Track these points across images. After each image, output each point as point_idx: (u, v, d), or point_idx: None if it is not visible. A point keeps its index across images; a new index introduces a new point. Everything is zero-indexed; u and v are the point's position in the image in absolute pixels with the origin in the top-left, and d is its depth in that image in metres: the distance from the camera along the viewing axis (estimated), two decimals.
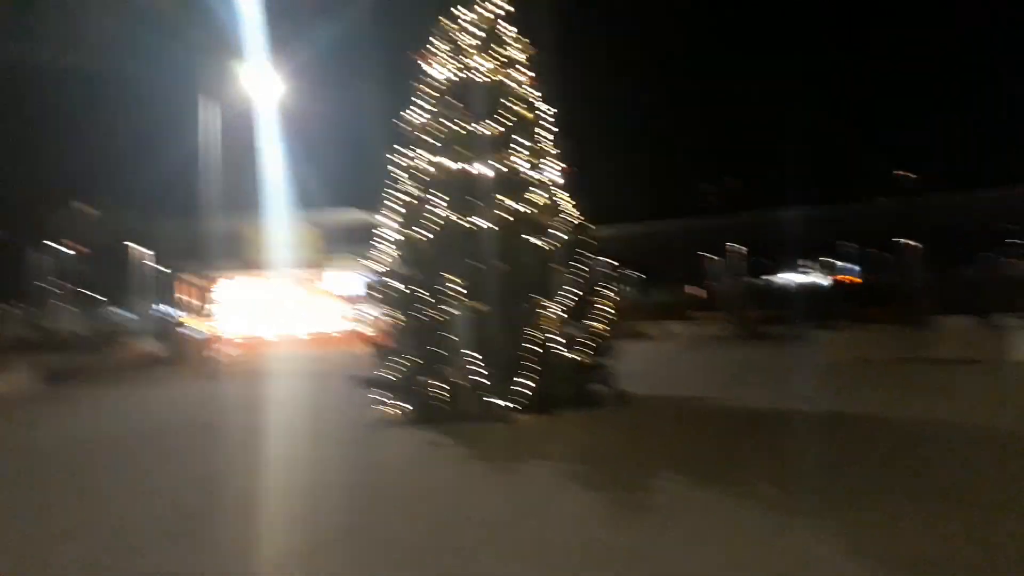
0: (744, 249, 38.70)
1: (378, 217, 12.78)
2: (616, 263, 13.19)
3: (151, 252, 37.97)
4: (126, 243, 44.64)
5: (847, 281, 58.47)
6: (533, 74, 12.73)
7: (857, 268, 62.00)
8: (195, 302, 26.98)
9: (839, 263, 61.83)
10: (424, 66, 12.69)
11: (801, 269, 55.65)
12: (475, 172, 12.01)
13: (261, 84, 20.19)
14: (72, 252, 50.35)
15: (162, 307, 32.39)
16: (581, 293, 12.36)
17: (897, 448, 8.46)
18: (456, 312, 11.18)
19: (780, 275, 52.87)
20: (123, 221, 44.95)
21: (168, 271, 26.98)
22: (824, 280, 56.91)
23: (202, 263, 20.89)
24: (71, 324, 46.58)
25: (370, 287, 12.87)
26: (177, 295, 26.99)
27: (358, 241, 24.53)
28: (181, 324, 26.35)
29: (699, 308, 30.79)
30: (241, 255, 26.64)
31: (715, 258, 46.58)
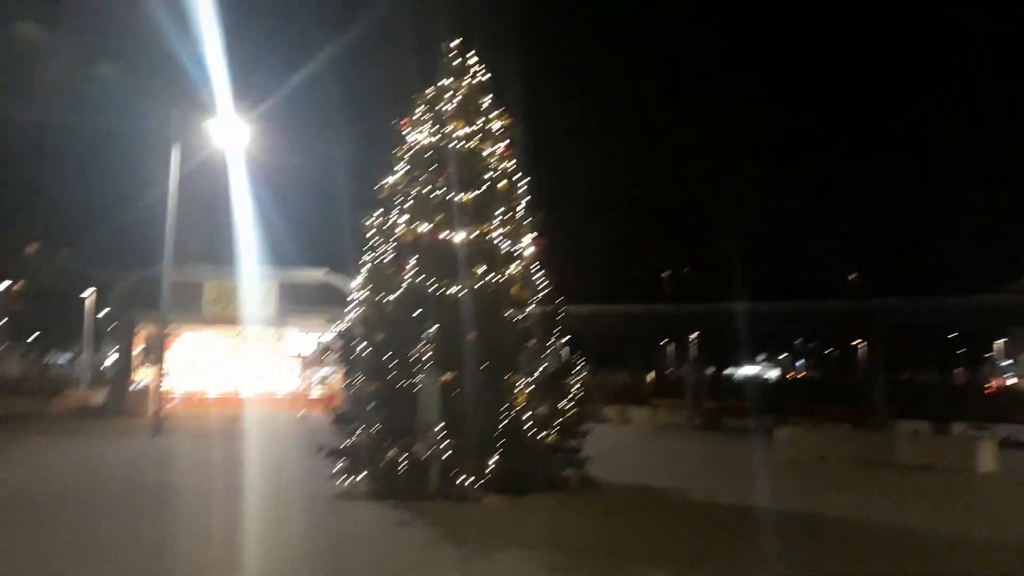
0: (701, 339, 38.98)
1: (346, 278, 12.51)
2: (573, 341, 12.98)
3: (106, 300, 36.87)
4: (80, 289, 43.31)
5: (797, 376, 59.31)
6: (509, 144, 12.76)
7: (803, 364, 63.08)
8: (147, 354, 26.02)
9: (792, 358, 62.76)
10: (403, 131, 12.68)
11: (756, 362, 56.26)
12: (448, 238, 11.86)
13: (230, 136, 19.99)
14: (22, 295, 48.66)
15: (112, 357, 31.27)
16: (552, 370, 12.14)
17: (872, 551, 8.23)
18: (426, 381, 10.81)
19: (735, 367, 53.31)
20: (78, 266, 43.78)
21: (121, 320, 26.00)
22: (774, 374, 57.62)
23: (158, 314, 20.15)
24: (15, 368, 44.69)
25: (335, 349, 12.47)
26: (129, 345, 25.99)
27: (322, 301, 24.17)
28: (130, 375, 25.34)
29: (659, 395, 30.70)
30: (200, 309, 25.89)
31: (673, 345, 46.81)
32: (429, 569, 7.25)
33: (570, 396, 11.83)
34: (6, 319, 52.00)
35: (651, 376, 44.82)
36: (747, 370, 53.65)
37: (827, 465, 16.12)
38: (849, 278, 47.61)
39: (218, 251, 26.17)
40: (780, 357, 61.72)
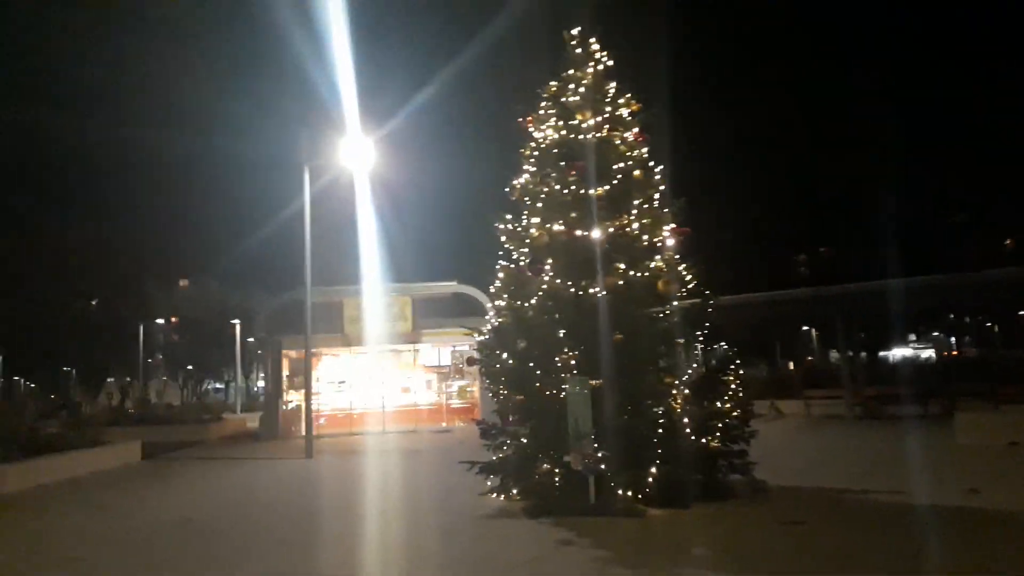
0: (850, 322, 36.57)
1: (477, 289, 12.15)
2: (710, 335, 12.01)
3: (249, 325, 38.64)
4: (224, 317, 45.67)
5: (958, 355, 54.79)
6: (641, 131, 12.00)
7: (964, 341, 58.20)
8: (295, 376, 26.87)
9: (950, 336, 58.15)
10: (528, 129, 12.19)
11: (910, 344, 52.53)
12: (585, 236, 11.24)
13: (359, 156, 20.17)
14: (172, 327, 51.94)
15: (260, 382, 32.59)
16: (709, 369, 11.32)
17: None
18: (570, 388, 10.23)
19: (890, 350, 49.94)
20: (221, 295, 46.20)
21: (268, 345, 26.97)
22: (933, 354, 53.52)
23: (301, 336, 20.62)
24: (172, 398, 47.73)
25: (476, 361, 12.12)
26: (278, 369, 26.93)
27: (456, 313, 24.14)
28: (280, 398, 26.22)
29: (809, 385, 28.86)
30: (341, 328, 26.49)
31: (814, 332, 44.28)
32: None
33: (729, 395, 10.97)
34: (168, 354, 55.73)
35: (795, 366, 42.53)
36: (901, 352, 50.16)
37: (1021, 452, 14.41)
38: (1006, 243, 43.72)
39: (354, 270, 26.72)
40: (936, 335, 57.29)
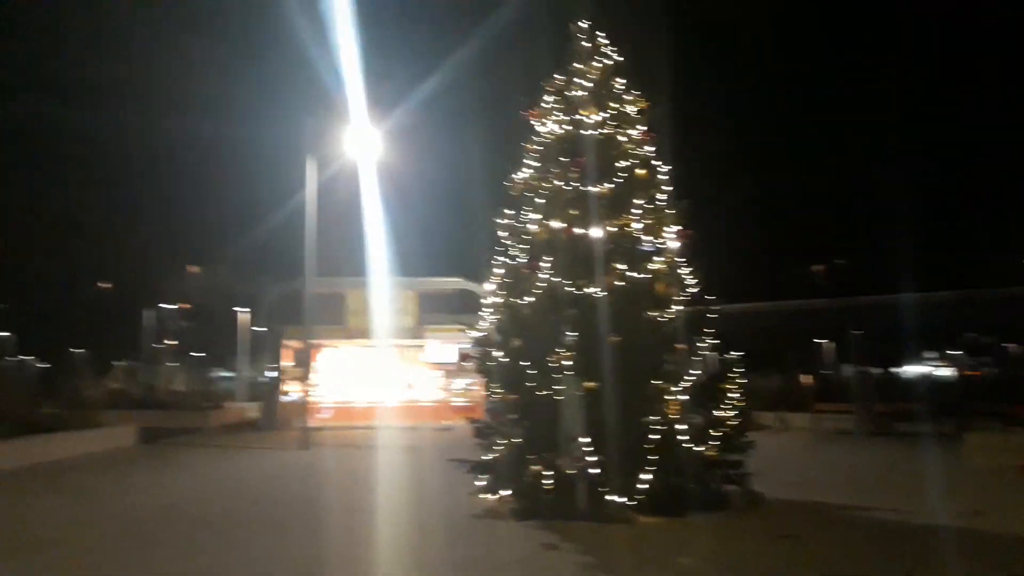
0: (865, 335, 36.00)
1: (482, 284, 11.88)
2: (723, 343, 11.67)
3: (254, 314, 38.62)
4: (231, 305, 45.73)
5: (975, 373, 53.92)
6: (647, 129, 11.69)
7: (981, 360, 57.28)
8: (294, 367, 26.68)
9: (967, 355, 57.29)
10: (532, 123, 11.91)
11: (926, 360, 51.70)
12: (585, 234, 10.94)
13: (364, 146, 19.96)
14: (180, 312, 52.10)
15: (263, 370, 32.52)
16: (706, 376, 10.98)
17: None
18: (567, 389, 9.94)
19: (904, 366, 49.20)
20: (228, 282, 46.20)
21: (269, 334, 26.84)
22: (950, 372, 52.69)
23: (302, 327, 20.45)
24: (174, 383, 47.82)
25: (471, 358, 11.83)
26: (278, 359, 26.76)
27: (461, 310, 23.89)
28: (279, 388, 26.08)
29: (821, 399, 28.35)
30: (344, 320, 26.31)
31: (831, 344, 43.66)
32: None
33: (729, 404, 10.64)
34: (175, 340, 55.96)
35: (809, 378, 41.92)
36: (917, 369, 49.36)
37: None
38: None
39: (359, 262, 26.51)
40: (954, 353, 56.42)
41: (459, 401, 26.90)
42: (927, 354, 52.44)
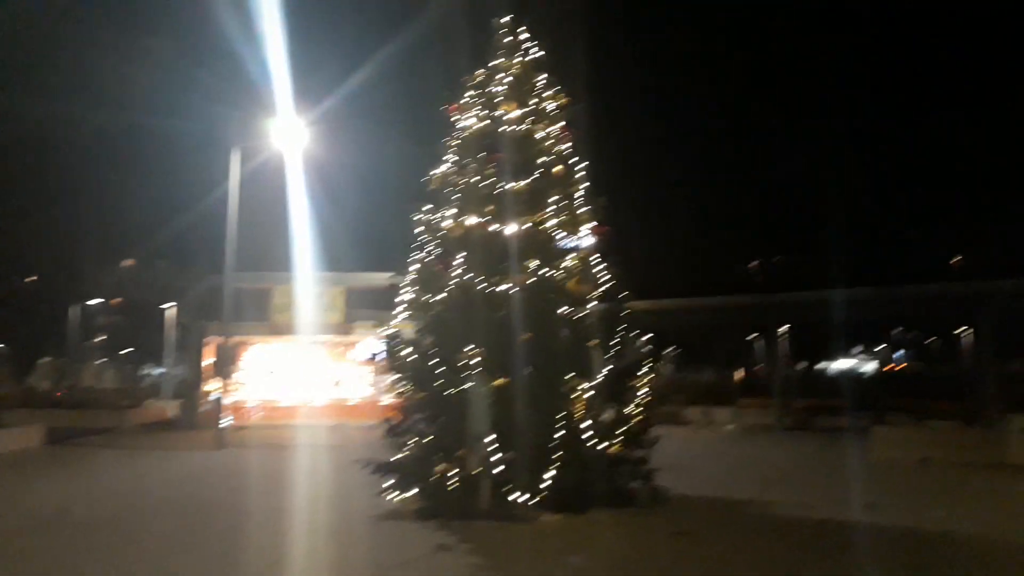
0: (792, 331, 36.86)
1: (400, 279, 11.68)
2: (652, 339, 11.73)
3: (179, 310, 37.55)
4: (161, 299, 44.38)
5: (896, 369, 55.80)
6: (565, 126, 11.69)
7: (903, 355, 59.30)
8: (217, 363, 26.01)
9: (890, 350, 59.29)
10: (452, 117, 11.79)
11: (851, 355, 53.30)
12: (500, 231, 10.88)
13: (290, 139, 19.57)
14: (108, 307, 50.45)
15: (183, 368, 31.64)
16: (616, 373, 11.03)
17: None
18: (475, 388, 9.87)
19: (828, 361, 50.59)
20: (158, 276, 44.78)
21: (189, 330, 26.09)
22: (871, 367, 54.42)
23: (225, 323, 19.93)
24: (102, 380, 46.23)
25: (384, 356, 11.65)
26: (198, 356, 26.02)
27: (390, 306, 23.42)
28: (199, 386, 25.37)
29: (746, 394, 28.96)
30: (269, 316, 25.71)
31: (760, 340, 44.64)
32: None
33: (636, 401, 10.71)
34: (104, 335, 54.18)
35: (739, 374, 42.76)
36: (841, 364, 50.83)
37: (930, 468, 14.49)
38: (952, 261, 44.51)
39: (286, 257, 25.93)
40: (877, 349, 58.32)
41: (387, 399, 26.59)
42: (852, 349, 54.10)
